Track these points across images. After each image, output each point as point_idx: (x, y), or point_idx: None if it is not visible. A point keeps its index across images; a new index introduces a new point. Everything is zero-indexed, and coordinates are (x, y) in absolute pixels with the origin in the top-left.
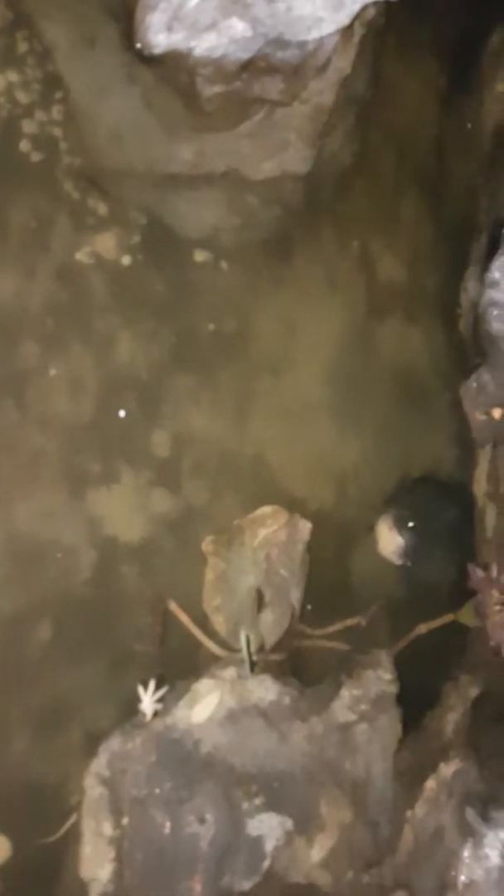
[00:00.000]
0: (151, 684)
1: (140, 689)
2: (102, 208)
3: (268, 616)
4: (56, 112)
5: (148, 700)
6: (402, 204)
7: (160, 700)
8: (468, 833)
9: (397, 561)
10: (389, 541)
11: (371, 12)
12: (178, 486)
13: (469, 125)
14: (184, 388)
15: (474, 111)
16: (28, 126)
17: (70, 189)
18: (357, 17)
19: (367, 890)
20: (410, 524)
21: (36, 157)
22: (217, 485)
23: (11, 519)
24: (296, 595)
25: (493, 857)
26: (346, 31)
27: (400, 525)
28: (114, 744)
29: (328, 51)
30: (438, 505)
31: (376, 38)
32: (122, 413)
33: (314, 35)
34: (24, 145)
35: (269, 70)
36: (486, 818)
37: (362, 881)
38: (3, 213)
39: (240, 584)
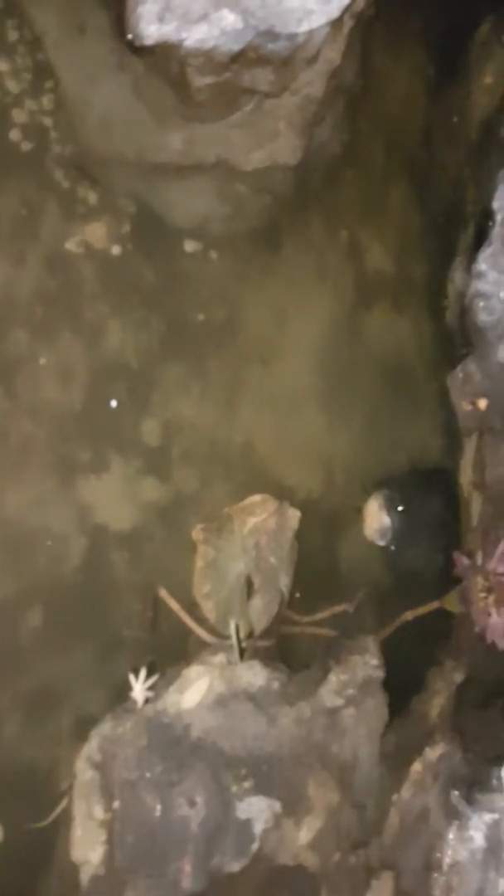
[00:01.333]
0: (142, 672)
1: (131, 677)
2: (92, 197)
3: (257, 603)
4: (46, 101)
5: (139, 687)
6: (391, 194)
7: (151, 688)
8: (453, 815)
9: (381, 541)
10: (376, 520)
11: (360, 4)
12: (168, 474)
13: (455, 118)
14: (173, 377)
15: (462, 102)
16: (18, 115)
17: (60, 178)
18: (347, 8)
19: (353, 870)
20: (400, 508)
21: (26, 145)
22: (207, 473)
23: (1, 507)
24: (284, 582)
25: (478, 838)
26: (336, 22)
27: (389, 506)
28: (105, 728)
29: (318, 42)
30: (427, 494)
31: (365, 29)
32: (112, 402)
33: (304, 28)
34: (14, 134)
35: (259, 61)
36: (470, 801)
37: (349, 862)
38: None
39: (229, 572)
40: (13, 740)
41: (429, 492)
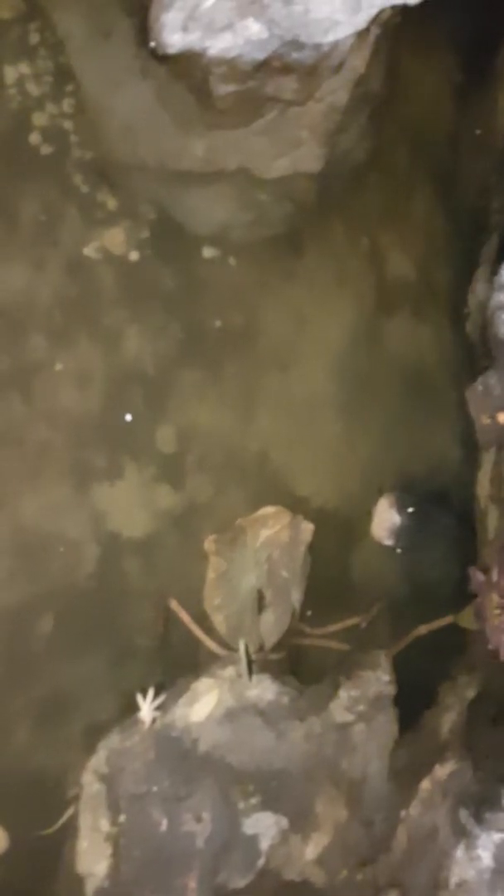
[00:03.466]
0: (150, 692)
1: (139, 698)
2: (112, 203)
3: (268, 616)
4: (67, 105)
5: (147, 708)
6: (414, 201)
7: (158, 707)
8: (461, 834)
9: (388, 541)
10: (385, 518)
11: (387, 13)
12: (182, 482)
13: (482, 126)
14: (190, 384)
15: (490, 109)
16: (39, 118)
17: (80, 183)
18: (374, 19)
19: (360, 888)
20: (410, 509)
21: (46, 149)
22: (221, 481)
23: (16, 512)
24: (296, 596)
25: (486, 858)
26: (362, 31)
27: (399, 506)
28: (113, 741)
29: (343, 51)
30: (442, 505)
31: (392, 36)
32: (128, 413)
33: (331, 38)
34: (35, 138)
35: (283, 70)
36: (479, 819)
37: (356, 879)
38: (13, 205)
39: (241, 584)
40: (23, 746)
41: (444, 502)
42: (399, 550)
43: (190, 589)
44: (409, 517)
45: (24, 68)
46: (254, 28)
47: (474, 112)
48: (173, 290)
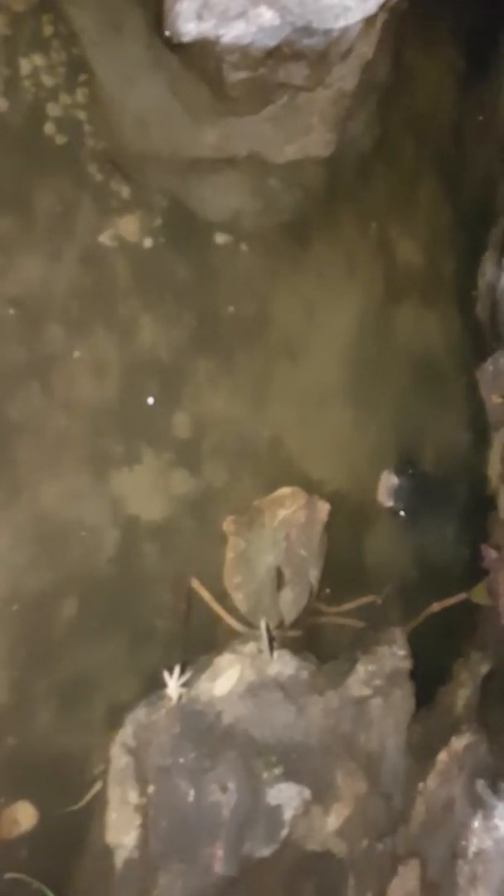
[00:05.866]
0: (177, 669)
1: (165, 675)
2: (125, 191)
3: (287, 594)
4: (81, 95)
5: (173, 684)
6: (421, 188)
7: (185, 684)
8: (478, 805)
9: (388, 502)
10: (385, 482)
11: None
12: (198, 467)
13: (482, 118)
14: (204, 371)
15: (493, 96)
16: (53, 109)
17: (94, 172)
18: (383, 5)
19: (380, 858)
20: (410, 471)
21: (60, 139)
22: (236, 466)
23: (37, 500)
24: (314, 574)
25: (502, 827)
26: (371, 17)
27: (399, 470)
28: (139, 715)
29: (352, 37)
30: (451, 482)
31: (399, 23)
32: (149, 399)
33: (341, 24)
34: (49, 128)
35: (294, 56)
36: (495, 790)
37: (376, 850)
38: (29, 196)
39: (259, 563)
40: (47, 726)
41: (453, 480)
42: (402, 514)
43: (207, 571)
44: (407, 478)
45: (39, 60)
46: (267, 15)
47: (478, 99)
48: (186, 277)
